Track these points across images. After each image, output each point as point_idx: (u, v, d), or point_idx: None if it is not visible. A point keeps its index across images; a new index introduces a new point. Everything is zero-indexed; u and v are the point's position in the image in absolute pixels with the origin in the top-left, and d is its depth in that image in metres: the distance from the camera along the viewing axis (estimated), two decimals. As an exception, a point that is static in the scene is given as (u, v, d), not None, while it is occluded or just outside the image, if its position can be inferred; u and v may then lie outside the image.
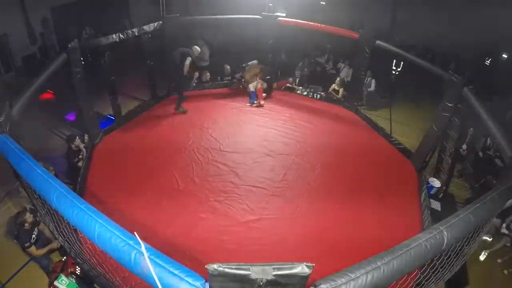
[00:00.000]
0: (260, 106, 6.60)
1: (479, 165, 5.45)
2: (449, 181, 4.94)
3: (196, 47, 6.10)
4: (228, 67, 7.32)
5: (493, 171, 5.04)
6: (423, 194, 4.51)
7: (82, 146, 4.81)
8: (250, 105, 6.65)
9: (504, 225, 4.50)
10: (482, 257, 4.45)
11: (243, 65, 6.85)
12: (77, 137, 4.76)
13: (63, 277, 3.00)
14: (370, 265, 1.44)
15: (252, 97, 6.71)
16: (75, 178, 4.52)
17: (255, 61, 6.77)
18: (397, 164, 5.25)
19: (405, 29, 9.52)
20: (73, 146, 4.71)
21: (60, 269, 3.17)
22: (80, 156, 4.71)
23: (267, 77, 7.06)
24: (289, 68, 8.56)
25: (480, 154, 5.63)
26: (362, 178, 4.75)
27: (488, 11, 7.91)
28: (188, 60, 5.82)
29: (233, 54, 8.09)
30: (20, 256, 3.79)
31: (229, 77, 7.34)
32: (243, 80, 6.90)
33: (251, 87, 6.91)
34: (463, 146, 5.93)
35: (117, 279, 2.32)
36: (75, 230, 2.26)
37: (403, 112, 7.88)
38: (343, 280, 1.36)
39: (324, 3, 10.79)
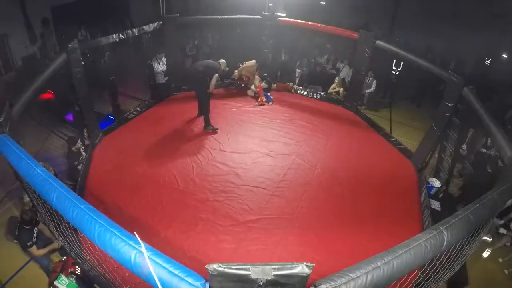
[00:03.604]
0: (262, 104, 6.60)
1: (479, 165, 5.45)
2: (449, 181, 4.94)
3: (222, 60, 5.73)
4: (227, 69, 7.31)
5: (493, 171, 5.03)
6: (423, 194, 4.51)
7: (82, 149, 4.80)
8: (270, 103, 6.67)
9: (501, 222, 4.51)
10: (485, 254, 4.47)
11: (239, 64, 6.84)
12: (79, 140, 4.76)
13: (63, 277, 3.00)
14: (370, 265, 1.44)
15: (268, 97, 6.73)
16: (74, 179, 4.53)
17: (253, 61, 6.75)
18: (397, 164, 5.25)
19: (405, 29, 9.55)
20: (73, 148, 4.71)
21: (60, 269, 3.18)
22: (80, 159, 4.71)
23: (264, 74, 7.05)
24: (289, 68, 8.58)
25: (482, 149, 5.62)
26: (362, 178, 4.74)
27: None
28: (215, 78, 5.45)
29: (233, 54, 8.10)
30: (20, 256, 3.79)
31: (233, 79, 7.32)
32: (236, 78, 6.82)
33: (251, 91, 6.89)
34: (463, 146, 5.93)
35: (117, 279, 2.32)
36: (75, 230, 2.26)
37: (403, 112, 7.90)
38: (343, 280, 1.36)
39: (324, 3, 10.81)
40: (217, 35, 9.87)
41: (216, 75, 5.46)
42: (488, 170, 5.04)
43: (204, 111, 5.44)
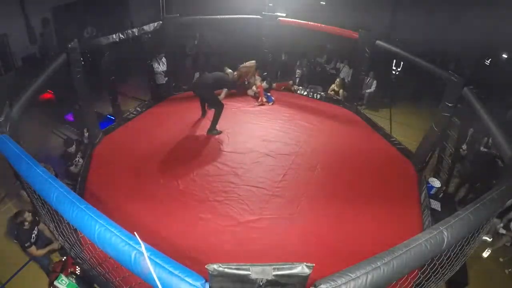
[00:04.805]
0: (262, 104, 6.60)
1: (479, 165, 5.44)
2: (449, 181, 4.94)
3: (229, 70, 5.78)
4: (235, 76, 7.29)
5: (493, 171, 5.03)
6: (423, 194, 4.51)
7: (78, 155, 4.78)
8: (271, 104, 6.65)
9: (501, 224, 4.51)
10: (485, 254, 4.47)
11: (238, 65, 6.85)
12: (74, 145, 4.74)
13: (63, 277, 3.00)
14: (370, 265, 1.44)
15: (268, 97, 6.73)
16: (70, 179, 4.54)
17: (252, 61, 6.76)
18: (397, 164, 5.24)
19: (405, 29, 9.55)
20: (69, 150, 4.70)
21: (60, 269, 3.18)
22: (74, 160, 4.68)
23: (264, 74, 7.04)
24: (289, 68, 8.57)
25: (482, 148, 5.61)
26: (362, 178, 4.74)
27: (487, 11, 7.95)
28: (224, 93, 5.62)
29: (233, 54, 8.09)
30: (20, 256, 3.79)
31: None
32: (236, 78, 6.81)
33: (251, 91, 6.88)
34: (463, 146, 5.93)
35: (117, 279, 2.32)
36: (75, 230, 2.27)
37: (403, 112, 7.90)
38: (343, 280, 1.36)
39: (324, 3, 10.80)
40: (217, 35, 9.86)
41: (226, 89, 5.58)
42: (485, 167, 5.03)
43: (215, 117, 5.43)
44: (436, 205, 4.40)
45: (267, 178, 4.60)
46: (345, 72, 8.26)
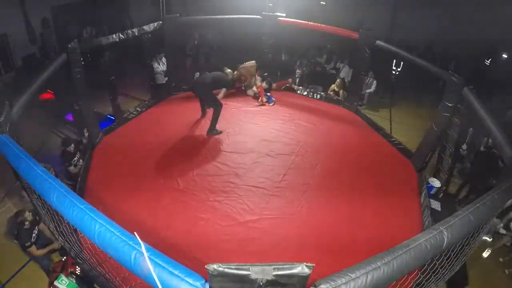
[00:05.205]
0: (263, 105, 6.60)
1: (479, 165, 5.45)
2: (449, 181, 4.94)
3: (229, 70, 5.81)
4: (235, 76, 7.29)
5: (493, 171, 5.04)
6: (423, 194, 4.51)
7: (77, 155, 4.77)
8: (272, 104, 6.65)
9: (501, 224, 4.52)
10: (485, 254, 4.47)
11: (238, 65, 6.86)
12: (72, 144, 4.74)
13: (63, 277, 3.01)
14: (370, 265, 1.44)
15: (269, 98, 6.73)
16: (69, 179, 4.54)
17: (253, 61, 6.77)
18: (397, 164, 5.24)
19: (405, 29, 9.56)
20: (67, 149, 4.70)
21: (60, 269, 3.18)
22: (73, 160, 4.67)
23: (264, 74, 7.05)
24: (289, 68, 8.58)
25: (483, 148, 5.62)
26: (362, 178, 4.74)
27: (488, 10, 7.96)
28: (222, 93, 5.66)
29: (233, 54, 8.09)
30: (20, 256, 3.80)
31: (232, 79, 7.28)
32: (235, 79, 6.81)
33: (251, 91, 6.88)
34: (463, 146, 5.93)
35: (117, 279, 2.32)
36: (75, 230, 2.27)
37: (403, 112, 7.91)
38: (343, 280, 1.35)
39: (324, 3, 10.81)
40: (217, 34, 9.87)
41: (224, 89, 5.60)
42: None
43: (214, 117, 5.42)
44: (436, 205, 4.40)
45: (267, 178, 4.60)
46: (345, 72, 8.27)
